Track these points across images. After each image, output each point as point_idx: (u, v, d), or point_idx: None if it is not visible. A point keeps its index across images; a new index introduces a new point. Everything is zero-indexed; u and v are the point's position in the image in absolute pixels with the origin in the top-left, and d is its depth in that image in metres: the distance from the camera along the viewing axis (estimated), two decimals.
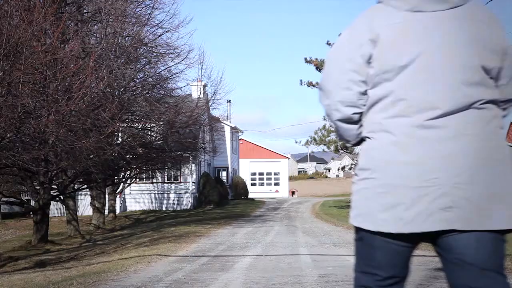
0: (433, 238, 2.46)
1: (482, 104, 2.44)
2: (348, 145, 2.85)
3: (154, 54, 25.12)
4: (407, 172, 2.39)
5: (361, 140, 2.61)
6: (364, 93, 2.53)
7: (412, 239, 2.47)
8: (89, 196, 30.66)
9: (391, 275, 2.55)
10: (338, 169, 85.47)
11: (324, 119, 36.12)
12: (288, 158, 72.22)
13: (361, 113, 2.56)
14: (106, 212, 31.32)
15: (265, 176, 69.98)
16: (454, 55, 2.42)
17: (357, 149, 2.75)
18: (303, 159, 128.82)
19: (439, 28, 2.43)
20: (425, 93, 2.41)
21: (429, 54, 2.42)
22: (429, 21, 2.43)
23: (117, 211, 37.95)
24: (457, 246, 2.43)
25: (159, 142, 28.01)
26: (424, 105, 2.40)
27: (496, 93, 2.50)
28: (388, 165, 2.43)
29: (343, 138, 2.72)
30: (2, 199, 27.28)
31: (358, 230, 2.62)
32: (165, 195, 43.74)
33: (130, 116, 25.08)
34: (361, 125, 2.59)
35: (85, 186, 27.07)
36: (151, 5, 24.46)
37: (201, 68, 40.05)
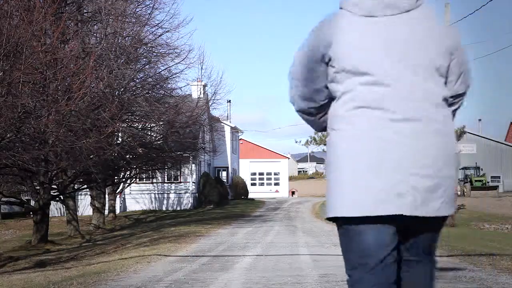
0: (397, 221, 2.67)
1: (436, 100, 2.70)
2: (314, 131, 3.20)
3: (154, 54, 25.12)
4: (370, 162, 2.62)
5: (325, 128, 2.87)
6: (321, 90, 2.80)
7: (388, 222, 2.65)
8: (89, 196, 30.66)
9: (383, 255, 2.69)
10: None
11: None
12: (288, 158, 72.23)
13: (318, 107, 2.86)
14: (106, 212, 31.32)
15: (265, 176, 69.96)
16: (405, 56, 2.67)
17: None
18: (303, 159, 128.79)
19: (391, 32, 2.68)
20: (383, 89, 2.65)
21: (382, 55, 2.66)
22: (382, 25, 2.69)
23: (117, 211, 37.94)
24: (411, 231, 2.75)
25: (159, 142, 28.00)
26: (381, 102, 2.64)
27: (445, 90, 2.76)
28: (349, 162, 2.65)
29: (309, 125, 3.01)
30: (2, 199, 27.26)
31: (337, 222, 2.74)
32: (165, 195, 43.73)
33: (130, 116, 25.08)
34: (321, 117, 2.89)
35: (85, 186, 27.06)
36: (151, 5, 24.49)
37: (201, 68, 39.96)
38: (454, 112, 2.88)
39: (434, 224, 2.75)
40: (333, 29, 2.72)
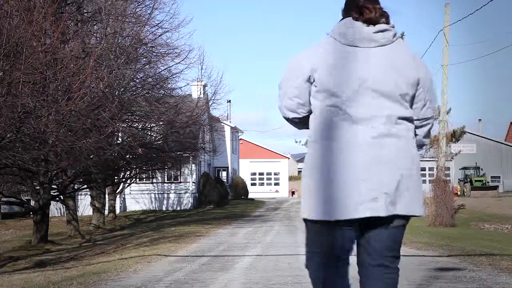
0: (358, 225, 3.19)
1: (401, 119, 3.19)
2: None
3: (154, 54, 25.12)
4: (340, 175, 3.06)
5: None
6: (304, 104, 3.27)
7: (347, 224, 3.14)
8: (89, 196, 30.65)
9: (341, 256, 3.32)
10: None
11: None
12: (288, 158, 72.22)
13: (300, 118, 3.32)
14: (106, 212, 31.32)
15: (265, 176, 69.96)
16: (376, 82, 3.14)
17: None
18: (303, 159, 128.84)
19: (368, 61, 3.15)
20: (356, 109, 3.12)
21: (359, 82, 3.13)
22: (361, 55, 3.16)
23: (117, 211, 37.94)
24: (375, 231, 3.25)
25: (159, 142, 27.99)
26: (355, 119, 3.12)
27: (408, 113, 3.22)
28: (324, 169, 3.10)
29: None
30: (2, 199, 27.26)
31: (307, 221, 3.21)
32: (165, 195, 43.73)
33: (130, 116, 25.07)
34: (303, 126, 3.37)
35: (85, 186, 27.06)
36: (151, 5, 24.49)
37: (201, 68, 39.94)
38: (427, 131, 3.38)
39: (399, 228, 3.28)
40: (319, 55, 3.20)
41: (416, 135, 3.33)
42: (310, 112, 3.27)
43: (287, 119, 3.38)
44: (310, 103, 3.24)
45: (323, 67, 3.15)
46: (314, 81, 3.19)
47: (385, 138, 3.12)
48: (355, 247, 3.37)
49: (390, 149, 3.12)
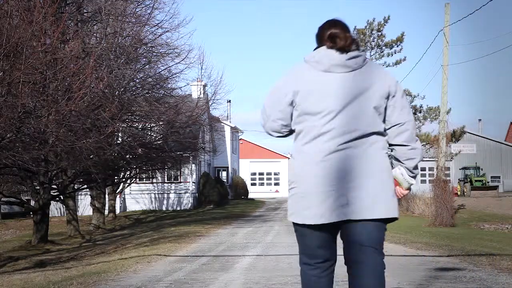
0: (337, 226, 3.59)
1: (371, 134, 3.59)
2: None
3: (154, 54, 25.12)
4: (315, 184, 3.52)
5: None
6: (287, 125, 3.71)
7: (325, 228, 3.57)
8: (89, 196, 30.66)
9: (321, 256, 3.67)
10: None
11: None
12: (288, 158, 71.96)
13: (282, 136, 3.79)
14: (106, 212, 31.32)
15: (265, 176, 69.98)
16: (350, 101, 3.56)
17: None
18: None
19: (343, 85, 3.57)
20: (328, 130, 3.55)
21: (335, 103, 3.55)
22: (336, 80, 3.58)
23: (117, 211, 37.93)
24: (353, 230, 3.57)
25: (159, 142, 28.00)
26: (330, 136, 3.55)
27: (382, 127, 3.65)
28: (304, 178, 3.56)
29: None
30: (2, 199, 27.27)
31: (293, 224, 3.68)
32: (165, 195, 43.73)
33: (130, 116, 25.07)
34: (287, 136, 3.81)
35: (85, 186, 27.06)
36: (151, 5, 24.47)
37: (201, 68, 40.01)
38: (409, 136, 3.69)
39: (378, 224, 3.59)
40: (300, 80, 3.61)
41: (394, 145, 3.71)
42: (292, 130, 3.74)
43: (270, 135, 3.84)
44: (291, 123, 3.71)
45: (303, 92, 3.59)
46: (295, 104, 3.64)
47: (356, 151, 3.57)
48: (336, 248, 3.76)
49: (361, 161, 3.57)
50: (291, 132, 3.75)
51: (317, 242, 3.64)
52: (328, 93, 3.57)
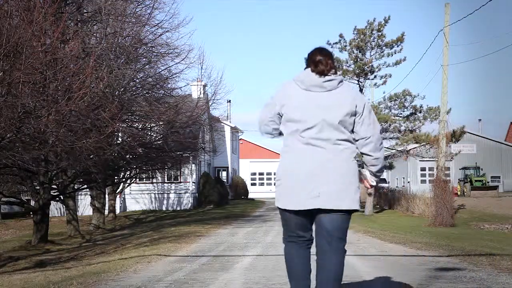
0: (311, 214, 4.62)
1: (339, 141, 4.57)
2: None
3: (154, 54, 25.10)
4: (295, 178, 4.55)
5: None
6: (276, 129, 4.79)
7: (302, 214, 4.62)
8: (89, 196, 30.65)
9: (299, 235, 4.74)
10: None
11: None
12: None
13: (274, 136, 4.87)
14: (106, 212, 31.32)
15: (265, 176, 69.98)
16: (324, 115, 4.55)
17: None
18: None
19: (318, 102, 4.59)
20: (306, 136, 4.56)
21: (311, 114, 4.56)
22: (313, 97, 4.60)
23: (117, 211, 37.93)
24: (322, 220, 4.59)
25: (159, 142, 27.99)
26: (306, 140, 4.57)
27: (351, 137, 4.64)
28: (286, 173, 4.63)
29: None
30: (2, 199, 27.25)
31: (278, 208, 4.74)
32: (165, 195, 43.73)
33: (130, 116, 25.07)
34: (277, 137, 4.89)
35: (85, 186, 27.06)
36: (151, 5, 24.46)
37: (201, 68, 40.02)
38: (373, 147, 4.69)
39: (342, 214, 4.57)
40: (286, 95, 4.67)
41: (363, 153, 4.73)
42: (280, 133, 4.80)
43: (265, 135, 4.94)
44: (280, 127, 4.77)
45: (288, 105, 4.64)
46: (282, 113, 4.69)
47: (326, 153, 4.54)
48: (310, 230, 4.76)
49: (330, 161, 4.54)
50: (280, 134, 4.81)
51: (295, 224, 4.72)
52: (306, 106, 4.59)
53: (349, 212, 4.61)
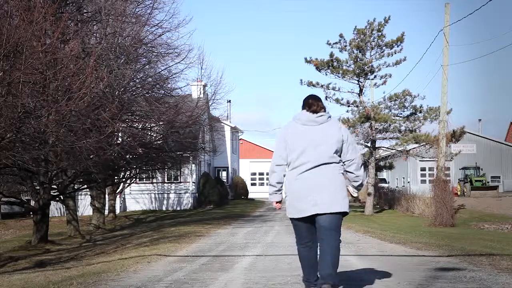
0: (313, 218, 6.05)
1: (330, 162, 6.03)
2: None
3: (154, 54, 25.10)
4: (299, 193, 6.05)
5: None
6: (284, 158, 6.21)
7: (306, 220, 6.11)
8: (89, 196, 30.65)
9: (309, 240, 6.23)
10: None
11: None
12: None
13: (282, 166, 6.24)
14: (106, 212, 31.32)
15: (265, 176, 69.91)
16: (318, 144, 6.03)
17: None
18: None
19: (313, 134, 6.07)
20: (305, 159, 6.04)
21: (307, 144, 6.03)
22: (309, 130, 6.08)
23: (117, 211, 37.94)
24: (321, 220, 6.01)
25: (159, 142, 27.99)
26: (305, 164, 6.04)
27: (338, 159, 6.12)
28: (292, 190, 6.12)
29: (272, 178, 6.42)
30: (2, 199, 27.25)
31: (290, 218, 6.27)
32: (165, 195, 43.73)
33: (130, 116, 25.07)
34: (282, 172, 6.28)
35: (85, 186, 27.06)
36: (151, 5, 24.45)
37: (201, 68, 40.06)
38: (356, 166, 6.23)
39: (336, 215, 6.03)
40: (289, 132, 6.17)
41: (347, 171, 6.22)
42: (286, 163, 6.23)
43: (275, 168, 6.30)
44: (287, 158, 6.19)
45: (291, 138, 6.15)
46: (286, 144, 6.16)
47: (321, 172, 6.03)
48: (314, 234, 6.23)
49: (324, 178, 6.02)
50: (287, 164, 6.23)
51: (306, 228, 6.22)
52: (304, 138, 6.09)
53: (339, 214, 6.05)
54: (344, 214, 6.05)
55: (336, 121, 6.26)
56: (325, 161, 5.98)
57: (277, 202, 6.35)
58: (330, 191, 5.96)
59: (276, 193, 6.30)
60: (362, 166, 6.42)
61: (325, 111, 6.13)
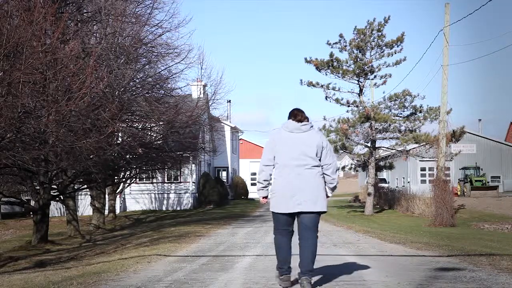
0: (296, 215, 7.01)
1: (312, 166, 6.98)
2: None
3: (154, 54, 25.10)
4: (284, 192, 6.95)
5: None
6: (272, 159, 7.11)
7: (290, 215, 7.04)
8: (89, 196, 30.66)
9: (285, 228, 7.09)
10: (338, 169, 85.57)
11: (324, 119, 36.16)
12: None
13: (270, 166, 7.11)
14: (106, 212, 31.32)
15: None
16: (301, 149, 6.98)
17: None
18: None
19: (297, 139, 7.02)
20: (291, 160, 6.96)
21: (293, 148, 6.99)
22: (295, 136, 7.03)
23: (117, 211, 37.94)
24: (303, 218, 7.00)
25: (159, 142, 27.99)
26: (289, 165, 6.97)
27: (319, 163, 7.02)
28: (278, 189, 7.01)
29: (260, 176, 7.32)
30: (2, 199, 27.27)
31: (272, 212, 7.13)
32: (165, 195, 43.72)
33: (130, 116, 25.06)
34: (269, 172, 7.16)
35: (85, 186, 27.06)
36: (151, 5, 24.45)
37: (201, 68, 40.11)
38: (332, 170, 7.12)
39: (316, 214, 7.01)
40: (277, 137, 7.08)
41: (326, 174, 7.10)
42: (273, 164, 7.15)
43: (264, 167, 7.21)
44: (274, 160, 7.12)
45: (278, 143, 7.09)
46: (275, 148, 7.08)
47: (304, 175, 6.97)
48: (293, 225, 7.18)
49: (306, 180, 6.96)
50: (272, 167, 7.15)
51: (285, 220, 7.10)
52: (290, 143, 7.05)
53: (319, 213, 7.07)
54: (322, 213, 7.06)
55: (317, 130, 7.30)
56: (308, 163, 6.96)
57: (263, 197, 7.25)
58: (312, 192, 6.92)
59: (263, 189, 7.21)
60: (337, 171, 7.21)
61: (308, 121, 7.12)
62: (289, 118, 7.17)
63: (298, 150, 6.93)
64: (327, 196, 7.16)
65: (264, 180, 7.19)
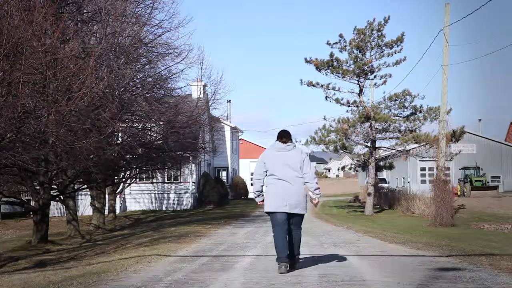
0: (286, 214, 9.02)
1: (296, 177, 9.01)
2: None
3: (154, 54, 25.09)
4: (276, 196, 9.03)
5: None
6: (263, 175, 9.20)
7: (282, 214, 8.99)
8: (89, 196, 30.64)
9: (280, 224, 8.97)
10: (338, 169, 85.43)
11: (324, 119, 36.16)
12: None
13: (262, 180, 9.24)
14: (106, 212, 31.30)
15: None
16: (287, 165, 9.05)
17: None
18: None
19: (283, 158, 9.08)
20: (278, 173, 9.04)
21: (280, 166, 9.05)
22: (281, 155, 9.11)
23: (117, 211, 37.92)
24: (291, 219, 9.10)
25: (159, 142, 27.98)
26: (278, 176, 9.05)
27: (301, 174, 9.06)
28: (271, 193, 9.09)
29: (256, 184, 9.43)
30: (2, 199, 27.26)
31: (267, 212, 9.16)
32: (165, 195, 43.71)
33: (130, 116, 25.05)
34: (261, 184, 9.33)
35: (85, 186, 27.05)
36: (150, 5, 24.43)
37: (201, 68, 40.04)
38: (309, 176, 9.07)
39: (298, 216, 9.13)
40: (266, 157, 9.17)
41: (306, 182, 8.98)
42: (264, 176, 9.09)
43: (257, 181, 9.19)
44: (265, 174, 9.08)
45: (268, 160, 9.06)
46: (265, 166, 9.06)
47: (290, 184, 8.90)
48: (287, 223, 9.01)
49: (292, 188, 8.90)
50: (263, 179, 9.06)
51: (279, 217, 8.88)
52: (277, 161, 8.98)
53: (301, 215, 9.10)
54: (303, 215, 9.15)
55: (299, 148, 9.31)
56: (293, 177, 8.91)
57: (260, 202, 9.27)
58: (296, 199, 8.89)
59: (259, 196, 9.28)
60: (316, 178, 9.23)
61: (291, 142, 9.11)
62: (277, 139, 9.16)
63: (284, 165, 8.93)
64: (314, 198, 9.18)
65: (257, 191, 9.26)
